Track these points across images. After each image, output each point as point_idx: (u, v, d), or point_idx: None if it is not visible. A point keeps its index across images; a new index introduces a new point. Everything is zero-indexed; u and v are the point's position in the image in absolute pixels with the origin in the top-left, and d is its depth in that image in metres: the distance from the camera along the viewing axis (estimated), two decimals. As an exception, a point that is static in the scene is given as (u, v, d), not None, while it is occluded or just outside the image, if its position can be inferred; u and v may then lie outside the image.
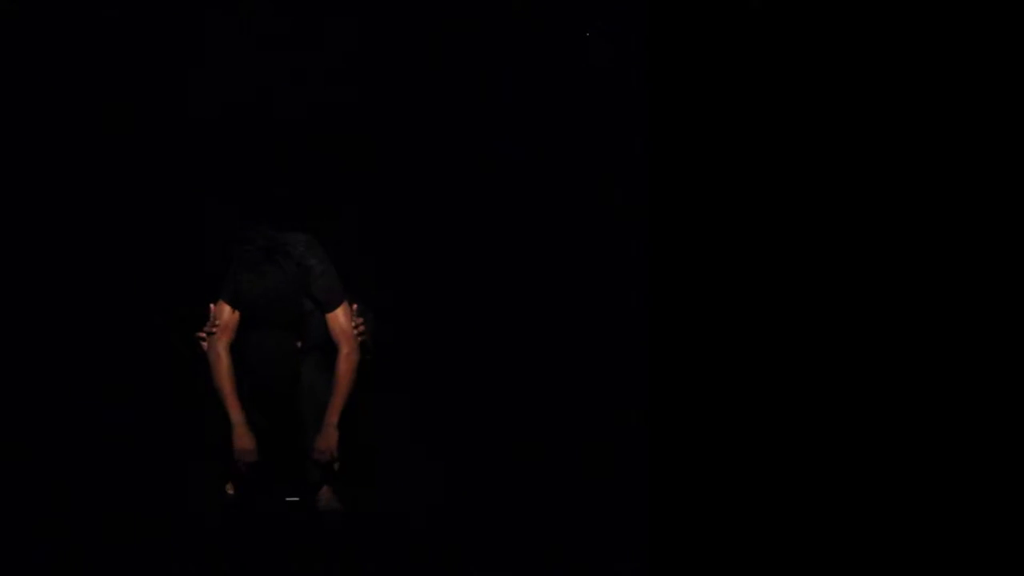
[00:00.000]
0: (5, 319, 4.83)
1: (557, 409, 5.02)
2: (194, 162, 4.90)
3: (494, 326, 5.41)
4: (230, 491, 4.61)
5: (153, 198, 4.90)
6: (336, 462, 4.33)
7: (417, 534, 4.29)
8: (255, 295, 4.19)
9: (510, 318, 5.43)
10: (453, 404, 5.44)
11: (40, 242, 4.88)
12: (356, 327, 4.37)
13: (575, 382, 4.99)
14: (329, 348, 4.38)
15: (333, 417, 4.26)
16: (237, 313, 4.22)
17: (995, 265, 4.38)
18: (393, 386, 5.45)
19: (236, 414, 4.21)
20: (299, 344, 4.36)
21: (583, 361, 5.02)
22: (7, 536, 4.21)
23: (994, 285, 4.38)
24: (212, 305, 4.33)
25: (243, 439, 4.22)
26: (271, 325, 4.24)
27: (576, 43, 5.30)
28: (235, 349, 4.29)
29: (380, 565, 4.05)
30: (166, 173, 4.93)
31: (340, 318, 4.30)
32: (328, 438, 4.27)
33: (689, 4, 4.19)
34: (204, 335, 4.28)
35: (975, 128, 4.43)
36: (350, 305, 4.40)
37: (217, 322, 4.23)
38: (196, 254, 4.84)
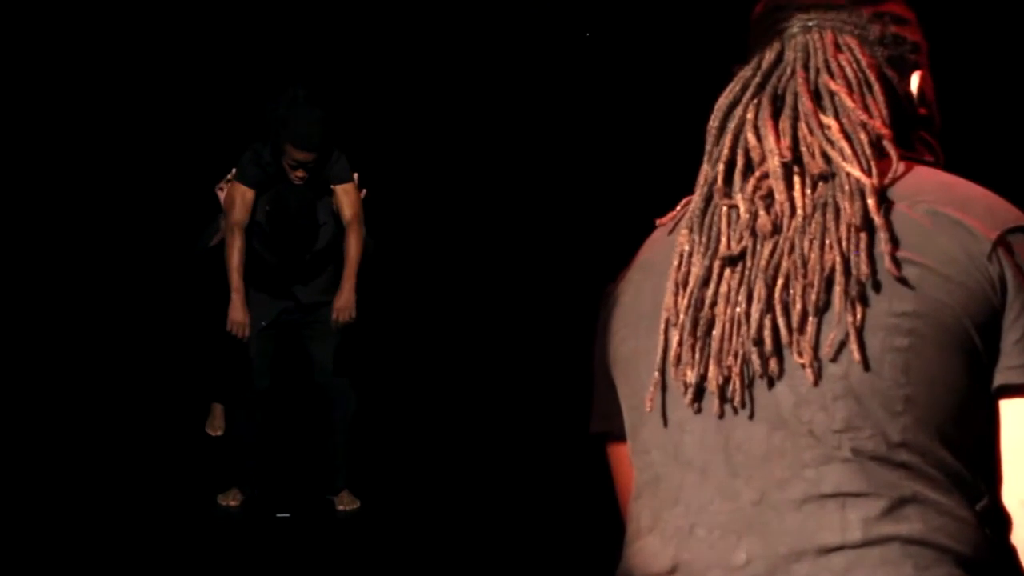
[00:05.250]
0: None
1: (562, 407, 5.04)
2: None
3: (505, 328, 5.43)
4: (212, 432, 5.01)
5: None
6: (354, 321, 4.75)
7: (429, 535, 4.41)
8: (295, 126, 4.60)
9: (523, 318, 5.44)
10: (460, 409, 5.47)
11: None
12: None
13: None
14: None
15: (348, 281, 4.71)
16: (251, 192, 4.65)
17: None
18: (405, 397, 5.49)
19: (237, 285, 4.63)
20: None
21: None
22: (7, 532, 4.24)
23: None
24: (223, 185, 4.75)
25: (237, 311, 4.64)
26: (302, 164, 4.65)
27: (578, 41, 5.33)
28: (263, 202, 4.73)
29: (394, 566, 4.15)
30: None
31: (348, 193, 4.72)
32: (346, 298, 4.69)
33: (690, 4, 4.20)
34: (220, 188, 4.73)
35: (975, 128, 4.45)
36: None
37: (233, 198, 4.64)
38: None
